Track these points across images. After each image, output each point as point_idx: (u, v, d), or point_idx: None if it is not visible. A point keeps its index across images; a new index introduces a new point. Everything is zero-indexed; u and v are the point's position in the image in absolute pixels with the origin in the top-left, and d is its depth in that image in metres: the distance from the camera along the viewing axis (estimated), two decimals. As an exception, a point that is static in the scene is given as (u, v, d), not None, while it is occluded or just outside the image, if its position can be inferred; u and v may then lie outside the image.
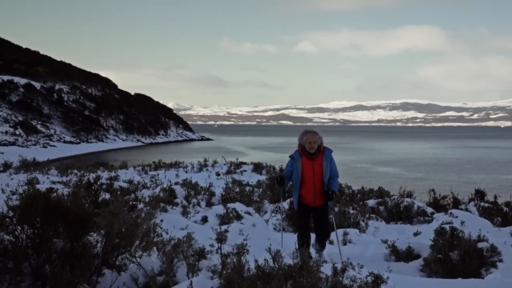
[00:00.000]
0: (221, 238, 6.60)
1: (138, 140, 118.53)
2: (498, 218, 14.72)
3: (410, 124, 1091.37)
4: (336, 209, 13.79)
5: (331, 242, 11.53)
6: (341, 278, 5.68)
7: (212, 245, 6.78)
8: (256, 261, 5.80)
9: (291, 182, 8.88)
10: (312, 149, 8.42)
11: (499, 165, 63.34)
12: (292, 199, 9.85)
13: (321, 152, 8.54)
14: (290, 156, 8.72)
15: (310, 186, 8.46)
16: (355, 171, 51.66)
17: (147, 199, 14.10)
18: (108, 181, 18.45)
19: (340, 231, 11.82)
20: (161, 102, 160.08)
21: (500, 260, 8.63)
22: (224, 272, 6.14)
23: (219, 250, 6.61)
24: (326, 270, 5.88)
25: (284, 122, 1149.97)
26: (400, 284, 6.36)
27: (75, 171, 27.55)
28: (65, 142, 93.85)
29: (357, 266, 5.85)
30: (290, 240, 11.20)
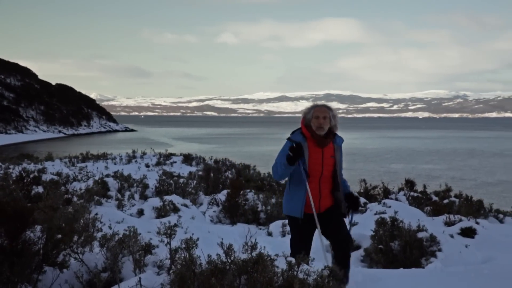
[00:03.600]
0: (170, 232, 6.43)
1: (60, 131, 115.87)
2: (429, 207, 15.10)
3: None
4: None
5: (270, 234, 11.52)
6: (295, 272, 5.64)
7: (161, 240, 6.61)
8: (209, 255, 5.69)
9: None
10: (320, 128, 5.74)
11: (416, 154, 65.30)
12: (284, 203, 6.14)
13: (333, 138, 5.95)
14: (288, 139, 5.90)
15: (315, 185, 5.86)
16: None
17: (79, 192, 13.70)
18: (36, 174, 17.82)
19: (279, 222, 11.83)
20: (83, 92, 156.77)
21: (440, 250, 8.84)
22: (173, 267, 6.00)
23: (167, 245, 6.45)
24: (280, 263, 5.83)
25: (209, 113, 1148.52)
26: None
27: (-1, 163, 26.58)
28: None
29: (309, 259, 5.83)
30: (229, 233, 11.14)
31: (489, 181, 38.49)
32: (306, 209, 5.88)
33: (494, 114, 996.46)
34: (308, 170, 5.77)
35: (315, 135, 5.77)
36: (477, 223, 10.95)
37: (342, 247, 6.00)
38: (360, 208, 6.25)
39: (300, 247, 5.96)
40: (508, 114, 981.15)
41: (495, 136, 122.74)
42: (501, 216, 14.25)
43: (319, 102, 5.98)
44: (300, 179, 5.85)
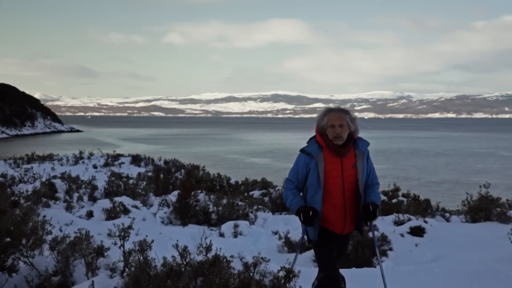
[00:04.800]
0: (124, 235, 6.34)
1: (2, 132, 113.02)
2: (378, 206, 15.26)
3: (280, 116, 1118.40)
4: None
5: (222, 235, 11.49)
6: (252, 274, 5.63)
7: (114, 243, 6.50)
8: (164, 258, 5.64)
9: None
10: (338, 138, 5.06)
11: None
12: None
13: (354, 144, 5.21)
14: (302, 150, 5.24)
15: (338, 201, 5.08)
16: (227, 162, 52.07)
17: (25, 194, 13.41)
18: (-21, 176, 17.39)
19: (231, 223, 11.81)
20: (27, 92, 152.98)
21: (390, 249, 8.98)
22: (127, 270, 5.92)
23: (121, 248, 6.35)
24: (236, 265, 5.81)
25: (156, 113, 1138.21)
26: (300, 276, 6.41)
27: None
28: None
29: (264, 260, 5.82)
30: (180, 234, 11.06)
31: (433, 180, 39.31)
32: (324, 224, 5.19)
33: (437, 115, 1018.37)
34: (324, 185, 5.07)
35: (332, 145, 5.09)
36: (426, 222, 11.16)
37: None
38: (375, 218, 5.14)
39: (327, 260, 5.26)
40: (450, 115, 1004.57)
41: (437, 136, 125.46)
42: (447, 215, 14.55)
43: (333, 106, 5.31)
44: (316, 201, 5.14)
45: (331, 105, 5.33)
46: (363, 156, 5.17)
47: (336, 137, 5.04)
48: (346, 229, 5.15)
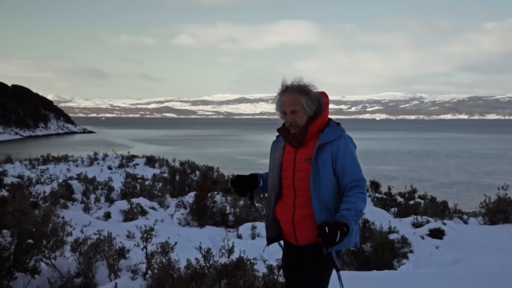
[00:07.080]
0: (146, 236, 6.34)
1: (16, 133, 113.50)
2: (394, 208, 15.21)
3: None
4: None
5: (240, 236, 11.45)
6: (276, 276, 5.62)
7: (137, 244, 6.51)
8: (188, 260, 5.63)
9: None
10: (291, 125, 3.90)
11: (373, 156, 65.56)
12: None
13: (318, 132, 3.88)
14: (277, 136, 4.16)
15: (288, 199, 3.90)
16: (238, 163, 51.93)
17: (42, 195, 13.46)
18: (-4, 177, 17.44)
19: (248, 225, 11.77)
20: (41, 94, 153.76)
21: (411, 251, 8.91)
22: (150, 272, 5.92)
23: (144, 249, 6.35)
24: (260, 267, 5.80)
25: (168, 114, 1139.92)
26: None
27: (-44, 166, 25.94)
28: None
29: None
30: (198, 236, 11.05)
31: (445, 182, 39.03)
32: (283, 234, 4.01)
33: (449, 116, 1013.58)
34: (281, 178, 3.96)
35: (282, 132, 4.03)
36: (444, 224, 11.09)
37: None
38: (333, 241, 3.39)
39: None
40: (462, 116, 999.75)
41: (448, 138, 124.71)
42: (465, 217, 14.47)
43: (289, 83, 3.96)
44: (268, 198, 4.10)
45: (287, 81, 3.99)
46: (329, 148, 3.79)
47: (290, 126, 3.91)
48: (299, 239, 3.86)
